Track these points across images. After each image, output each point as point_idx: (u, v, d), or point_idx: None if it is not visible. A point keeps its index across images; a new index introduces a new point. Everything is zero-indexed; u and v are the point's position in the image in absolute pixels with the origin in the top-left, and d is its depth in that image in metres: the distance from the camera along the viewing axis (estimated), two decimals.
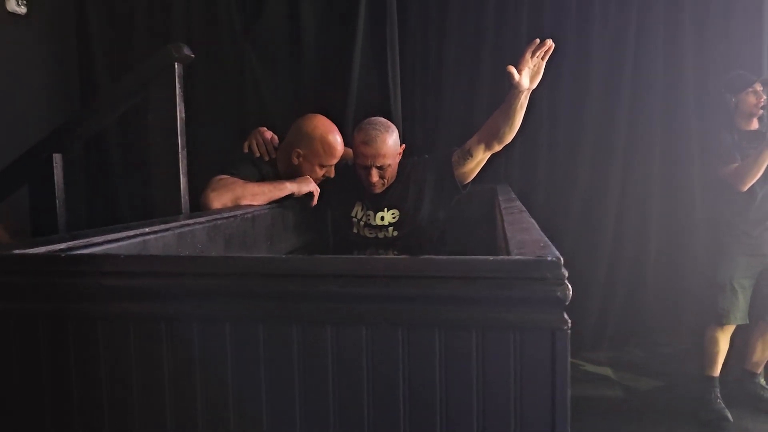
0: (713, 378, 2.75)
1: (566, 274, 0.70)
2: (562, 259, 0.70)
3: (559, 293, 0.71)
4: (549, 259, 0.71)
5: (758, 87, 2.79)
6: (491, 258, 0.72)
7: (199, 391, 0.81)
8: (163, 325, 0.80)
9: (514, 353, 0.73)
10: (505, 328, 0.73)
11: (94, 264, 0.83)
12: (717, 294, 2.77)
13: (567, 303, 0.71)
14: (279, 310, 0.79)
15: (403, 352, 0.76)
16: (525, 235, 0.99)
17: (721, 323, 2.75)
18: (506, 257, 0.73)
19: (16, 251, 0.88)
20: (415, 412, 0.76)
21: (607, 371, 3.11)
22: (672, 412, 2.71)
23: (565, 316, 0.71)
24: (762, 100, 2.79)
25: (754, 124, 2.85)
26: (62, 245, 0.97)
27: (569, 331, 0.71)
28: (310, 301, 0.78)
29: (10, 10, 2.60)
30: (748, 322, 2.77)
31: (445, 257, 0.74)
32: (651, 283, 3.19)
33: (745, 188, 2.70)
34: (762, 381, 2.85)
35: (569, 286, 0.71)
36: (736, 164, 2.71)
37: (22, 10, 2.65)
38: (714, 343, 2.77)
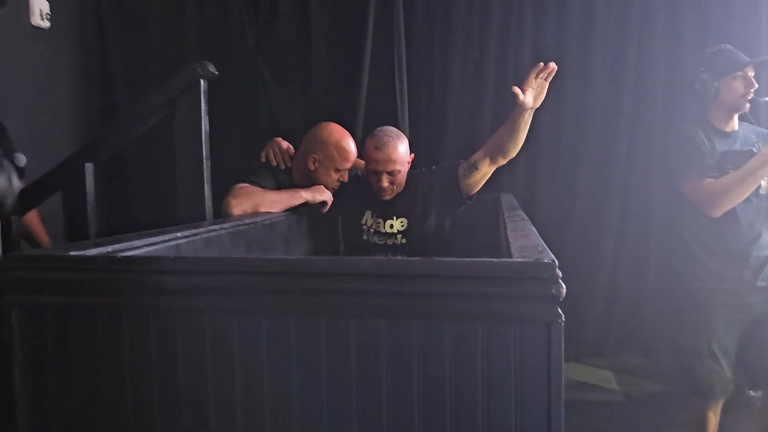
0: None
1: (560, 274, 0.81)
2: (556, 261, 0.81)
3: (554, 290, 0.81)
4: (545, 261, 0.82)
5: (750, 72, 2.02)
6: (496, 260, 0.82)
7: (238, 375, 0.91)
8: (206, 317, 0.91)
9: (514, 343, 0.84)
10: (507, 322, 0.84)
11: (147, 264, 0.94)
12: (693, 362, 2.08)
13: (561, 299, 0.81)
14: (308, 305, 0.90)
15: (417, 342, 0.86)
16: (526, 240, 1.09)
17: (706, 399, 2.11)
18: (508, 259, 0.83)
19: (73, 252, 0.99)
20: (427, 395, 0.87)
21: (609, 375, 3.14)
22: (673, 417, 2.67)
23: (559, 310, 0.82)
24: (752, 90, 2.01)
25: (732, 125, 2.09)
26: (109, 248, 1.08)
27: (563, 324, 0.82)
28: (336, 296, 0.89)
29: (34, 24, 2.71)
30: (732, 389, 2.12)
31: (455, 259, 0.84)
32: (652, 288, 3.16)
33: (720, 214, 1.97)
34: None
35: (563, 285, 0.81)
36: (709, 179, 1.98)
37: (46, 24, 2.76)
38: (701, 417, 2.15)
